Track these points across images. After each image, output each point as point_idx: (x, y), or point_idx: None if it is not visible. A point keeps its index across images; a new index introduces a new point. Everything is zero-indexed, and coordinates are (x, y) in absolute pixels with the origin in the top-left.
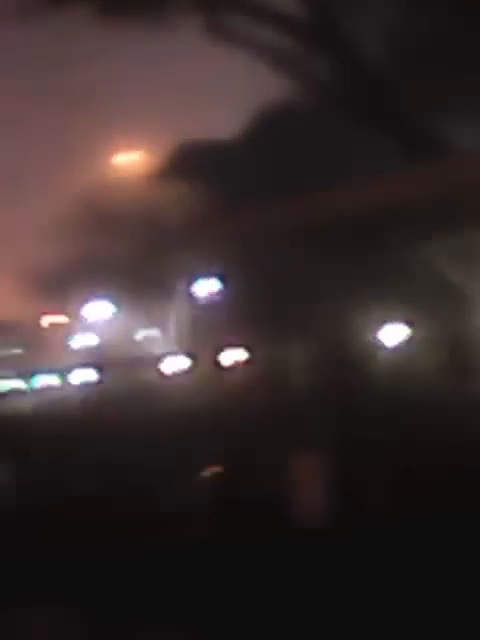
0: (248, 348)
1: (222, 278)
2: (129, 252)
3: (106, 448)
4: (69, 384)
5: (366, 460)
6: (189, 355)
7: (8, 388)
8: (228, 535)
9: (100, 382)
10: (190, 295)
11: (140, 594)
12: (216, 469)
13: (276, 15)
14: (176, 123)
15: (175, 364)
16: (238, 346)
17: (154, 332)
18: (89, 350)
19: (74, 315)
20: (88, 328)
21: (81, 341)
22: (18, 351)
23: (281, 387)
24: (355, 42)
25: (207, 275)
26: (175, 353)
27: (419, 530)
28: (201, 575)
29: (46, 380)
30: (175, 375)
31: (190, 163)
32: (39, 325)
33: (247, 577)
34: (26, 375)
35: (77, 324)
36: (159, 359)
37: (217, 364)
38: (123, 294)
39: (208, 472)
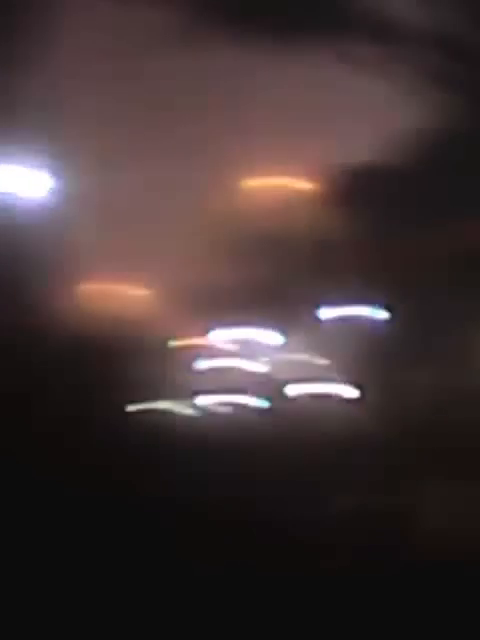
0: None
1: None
2: (271, 277)
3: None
4: (198, 409)
5: None
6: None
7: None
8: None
9: (240, 408)
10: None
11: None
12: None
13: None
14: (321, 148)
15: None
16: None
17: (302, 358)
18: (241, 375)
19: (214, 340)
20: (233, 354)
21: (227, 365)
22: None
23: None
24: None
25: (357, 303)
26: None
27: None
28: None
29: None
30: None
31: (339, 189)
32: (177, 348)
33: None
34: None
35: (216, 349)
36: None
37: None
38: (263, 320)
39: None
